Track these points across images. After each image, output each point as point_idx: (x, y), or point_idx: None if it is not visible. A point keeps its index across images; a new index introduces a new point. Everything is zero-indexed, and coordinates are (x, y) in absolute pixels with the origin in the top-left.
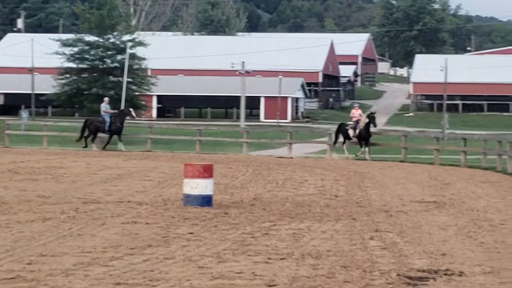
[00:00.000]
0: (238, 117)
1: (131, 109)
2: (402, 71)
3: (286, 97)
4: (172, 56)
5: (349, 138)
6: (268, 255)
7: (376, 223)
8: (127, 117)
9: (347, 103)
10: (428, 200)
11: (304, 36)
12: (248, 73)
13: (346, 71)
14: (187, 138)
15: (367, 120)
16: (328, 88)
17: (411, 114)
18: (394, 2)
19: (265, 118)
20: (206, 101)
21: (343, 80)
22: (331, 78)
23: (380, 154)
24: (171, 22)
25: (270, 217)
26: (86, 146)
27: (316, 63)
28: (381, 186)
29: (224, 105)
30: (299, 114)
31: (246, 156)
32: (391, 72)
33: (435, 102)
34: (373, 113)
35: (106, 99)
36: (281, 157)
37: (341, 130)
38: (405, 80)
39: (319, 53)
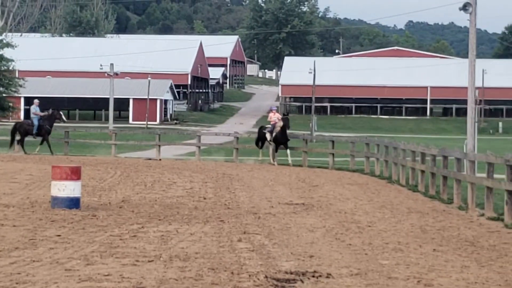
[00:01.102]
0: (106, 119)
1: (61, 113)
2: (271, 74)
3: (155, 99)
4: (40, 57)
5: (268, 142)
6: (136, 257)
7: (244, 225)
8: (57, 120)
9: (216, 105)
10: (296, 202)
11: (173, 38)
12: (116, 74)
13: (215, 73)
14: (55, 140)
15: (282, 123)
16: (197, 90)
17: None
18: (263, 4)
19: (134, 120)
20: (74, 103)
21: (212, 82)
22: (200, 80)
23: (248, 156)
24: (39, 23)
25: (139, 219)
26: (11, 147)
27: (185, 65)
28: (249, 188)
29: (93, 107)
30: (168, 116)
31: (114, 158)
32: (260, 74)
33: (303, 104)
34: (286, 115)
35: (36, 101)
36: (149, 159)
37: (260, 134)
38: (274, 82)
39: (188, 55)
